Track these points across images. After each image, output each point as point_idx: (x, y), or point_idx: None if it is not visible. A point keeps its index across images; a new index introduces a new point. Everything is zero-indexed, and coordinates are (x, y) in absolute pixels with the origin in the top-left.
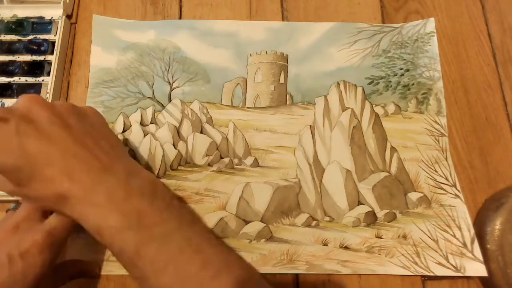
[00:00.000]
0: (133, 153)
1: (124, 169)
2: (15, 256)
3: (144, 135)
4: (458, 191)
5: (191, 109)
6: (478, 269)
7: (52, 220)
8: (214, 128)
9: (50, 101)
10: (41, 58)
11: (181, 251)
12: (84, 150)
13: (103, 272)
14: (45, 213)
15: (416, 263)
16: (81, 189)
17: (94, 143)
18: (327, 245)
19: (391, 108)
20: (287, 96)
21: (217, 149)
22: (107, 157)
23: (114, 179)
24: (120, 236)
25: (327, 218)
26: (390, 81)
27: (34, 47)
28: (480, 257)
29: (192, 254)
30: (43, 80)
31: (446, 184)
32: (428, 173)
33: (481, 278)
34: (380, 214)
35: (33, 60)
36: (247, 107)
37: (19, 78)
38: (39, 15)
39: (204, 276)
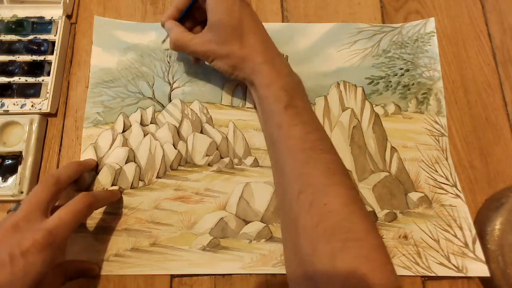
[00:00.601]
0: (133, 153)
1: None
2: (16, 254)
3: (144, 135)
4: (459, 191)
5: (191, 109)
6: (480, 269)
7: (53, 220)
8: (214, 128)
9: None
10: (41, 58)
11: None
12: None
13: (103, 272)
14: (46, 213)
15: (417, 263)
16: (263, 58)
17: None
18: None
19: (391, 108)
20: None
21: (217, 149)
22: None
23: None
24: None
25: None
26: (390, 81)
27: (34, 47)
28: (482, 257)
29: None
30: (43, 80)
31: (447, 184)
32: (428, 173)
33: (481, 278)
34: (381, 214)
35: (33, 60)
36: (247, 107)
37: (19, 78)
38: (39, 15)
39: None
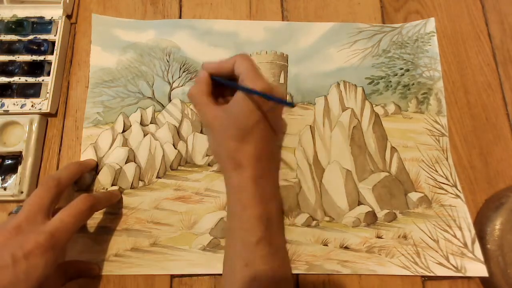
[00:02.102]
0: (133, 153)
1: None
2: (19, 257)
3: (144, 135)
4: (459, 191)
5: (191, 109)
6: (479, 269)
7: (54, 222)
8: None
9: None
10: (41, 58)
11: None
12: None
13: (103, 272)
14: (48, 215)
15: (416, 263)
16: (261, 171)
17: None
18: (327, 245)
19: (391, 108)
20: (287, 96)
21: None
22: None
23: (277, 180)
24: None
25: (327, 218)
26: (390, 81)
27: (34, 47)
28: (481, 257)
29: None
30: (43, 80)
31: (447, 184)
32: (428, 173)
33: (481, 278)
34: (380, 214)
35: (33, 60)
36: None
37: (19, 78)
38: (39, 15)
39: None
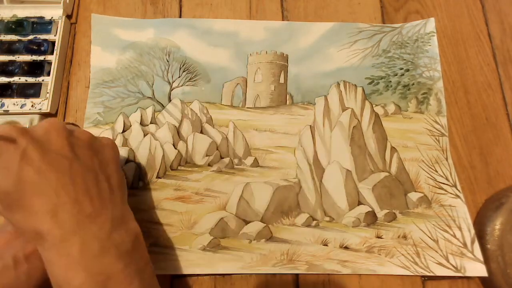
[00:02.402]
0: (133, 153)
1: (112, 219)
2: (20, 258)
3: (144, 135)
4: (459, 191)
5: (191, 109)
6: (478, 269)
7: None
8: (214, 128)
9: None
10: (41, 58)
11: None
12: (78, 190)
13: None
14: None
15: (416, 263)
16: (58, 234)
17: (93, 183)
18: (327, 245)
19: (391, 108)
20: (287, 96)
21: (217, 149)
22: (100, 202)
23: (96, 228)
24: None
25: (327, 218)
26: (390, 81)
27: (34, 47)
28: (481, 257)
29: None
30: (43, 80)
31: (447, 184)
32: (428, 173)
33: (481, 278)
34: (380, 214)
35: (33, 60)
36: (247, 107)
37: (19, 78)
38: (39, 15)
39: None
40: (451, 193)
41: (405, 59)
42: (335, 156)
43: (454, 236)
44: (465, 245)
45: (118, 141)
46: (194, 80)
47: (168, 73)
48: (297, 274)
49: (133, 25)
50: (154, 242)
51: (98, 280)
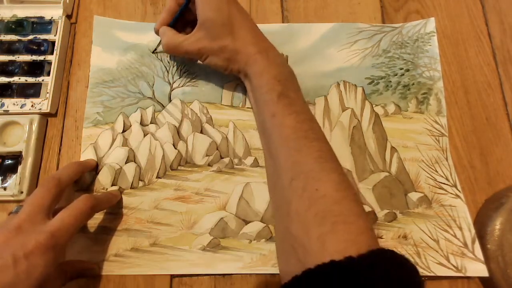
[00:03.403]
0: (133, 153)
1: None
2: (19, 256)
3: (144, 135)
4: (459, 191)
5: (191, 109)
6: (479, 269)
7: (55, 222)
8: (214, 128)
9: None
10: (41, 58)
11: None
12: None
13: (103, 272)
14: (48, 215)
15: (416, 263)
16: (260, 50)
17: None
18: None
19: (391, 108)
20: None
21: (217, 149)
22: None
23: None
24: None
25: None
26: (390, 81)
27: (34, 47)
28: (481, 257)
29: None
30: (43, 80)
31: (447, 184)
32: (428, 173)
33: (481, 278)
34: (381, 214)
35: (33, 60)
36: (247, 107)
37: (19, 78)
38: (39, 15)
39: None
40: (451, 193)
41: (405, 59)
42: None
43: (455, 236)
44: (465, 245)
45: (118, 141)
46: (194, 81)
47: (169, 74)
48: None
49: (135, 28)
50: (154, 242)
51: (280, 78)
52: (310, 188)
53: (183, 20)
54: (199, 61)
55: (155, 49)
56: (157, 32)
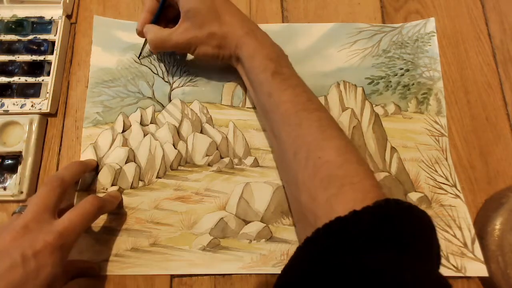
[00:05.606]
0: (133, 153)
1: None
2: (28, 255)
3: (144, 135)
4: (459, 191)
5: (191, 109)
6: (479, 269)
7: (63, 222)
8: (214, 128)
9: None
10: (41, 58)
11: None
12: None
13: (103, 272)
14: (54, 214)
15: None
16: (248, 32)
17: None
18: None
19: (391, 108)
20: None
21: (217, 149)
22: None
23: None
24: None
25: None
26: (390, 81)
27: (34, 47)
28: (481, 257)
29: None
30: (43, 80)
31: (447, 184)
32: (428, 173)
33: (481, 278)
34: None
35: (33, 60)
36: (247, 107)
37: (19, 78)
38: (39, 15)
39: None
40: (451, 193)
41: (405, 59)
42: None
43: (455, 236)
44: (465, 245)
45: (118, 141)
46: (195, 81)
47: (169, 74)
48: None
49: (135, 28)
50: (154, 242)
51: (272, 56)
52: (313, 157)
53: (164, 18)
54: (189, 53)
55: (140, 53)
56: (140, 34)
